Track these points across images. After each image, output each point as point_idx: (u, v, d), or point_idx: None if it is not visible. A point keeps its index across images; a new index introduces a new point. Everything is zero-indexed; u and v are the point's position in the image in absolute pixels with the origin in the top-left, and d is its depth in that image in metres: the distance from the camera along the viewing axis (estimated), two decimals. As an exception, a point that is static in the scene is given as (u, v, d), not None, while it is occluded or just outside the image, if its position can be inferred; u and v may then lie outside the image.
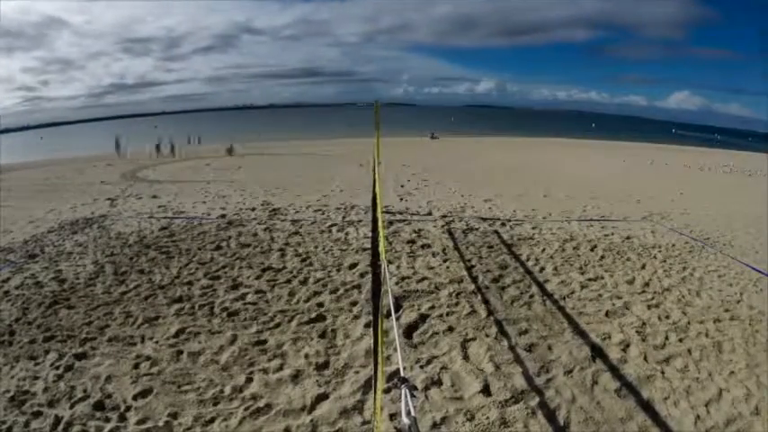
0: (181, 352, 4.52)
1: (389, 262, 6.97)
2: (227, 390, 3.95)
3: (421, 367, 4.30)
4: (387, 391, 3.77)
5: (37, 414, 3.62)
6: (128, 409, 3.70)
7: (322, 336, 4.86)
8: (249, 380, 4.10)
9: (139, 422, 3.55)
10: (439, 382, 4.08)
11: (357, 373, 4.21)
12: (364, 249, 7.52)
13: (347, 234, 8.55)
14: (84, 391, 3.91)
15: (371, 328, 4.68)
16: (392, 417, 3.55)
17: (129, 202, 11.61)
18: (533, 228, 9.33)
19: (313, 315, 5.30)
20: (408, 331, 4.96)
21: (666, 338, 4.97)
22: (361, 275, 6.45)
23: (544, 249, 7.90)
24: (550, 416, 3.71)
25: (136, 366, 4.28)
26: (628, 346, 4.80)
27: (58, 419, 3.55)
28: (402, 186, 13.62)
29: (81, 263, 6.91)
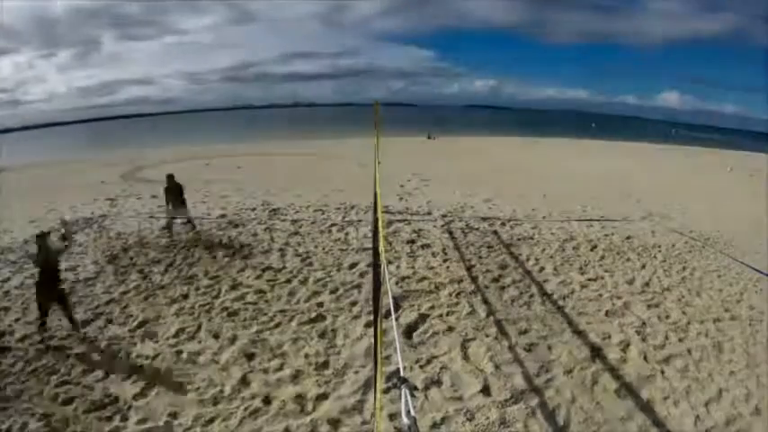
0: (181, 352, 4.53)
1: (389, 262, 6.97)
2: (227, 390, 3.95)
3: (421, 367, 4.31)
4: (386, 390, 3.77)
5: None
6: (128, 408, 3.71)
7: (322, 336, 4.86)
8: (249, 380, 4.10)
9: (140, 422, 3.56)
10: (439, 382, 4.09)
11: (357, 373, 4.21)
12: (364, 249, 7.52)
13: (347, 234, 8.54)
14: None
15: (371, 328, 4.68)
16: (392, 417, 3.55)
17: (129, 202, 11.60)
18: (533, 228, 9.33)
19: (313, 315, 5.30)
20: (408, 331, 4.97)
21: (666, 338, 4.97)
22: (361, 275, 6.45)
23: (544, 249, 7.90)
24: (550, 416, 3.71)
25: (136, 366, 4.28)
26: (628, 346, 4.81)
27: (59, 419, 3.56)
28: (402, 186, 13.61)
29: (81, 263, 6.91)
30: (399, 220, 9.57)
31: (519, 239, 8.47)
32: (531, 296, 5.95)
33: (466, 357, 4.49)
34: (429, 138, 35.10)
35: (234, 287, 6.04)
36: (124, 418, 3.60)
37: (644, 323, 5.30)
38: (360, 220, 9.45)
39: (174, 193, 8.31)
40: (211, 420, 3.59)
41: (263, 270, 6.65)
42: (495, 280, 6.46)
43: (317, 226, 9.06)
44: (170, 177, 8.32)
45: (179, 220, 8.79)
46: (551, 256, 7.55)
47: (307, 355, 4.48)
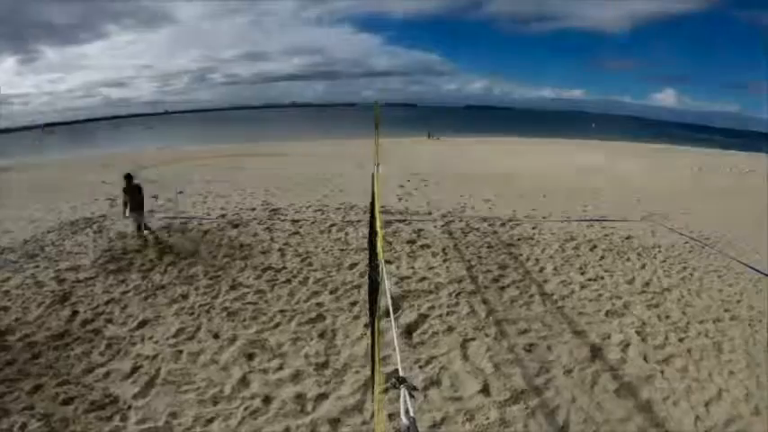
0: (181, 352, 4.53)
1: (389, 262, 6.97)
2: (227, 390, 3.95)
3: (420, 367, 4.31)
4: (386, 391, 3.77)
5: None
6: (128, 408, 3.71)
7: (322, 336, 4.87)
8: (249, 380, 4.10)
9: (139, 422, 3.56)
10: (438, 383, 4.09)
11: (357, 373, 4.21)
12: (364, 249, 7.52)
13: (347, 234, 8.55)
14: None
15: (370, 329, 4.68)
16: (392, 417, 3.55)
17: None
18: (533, 228, 9.33)
19: (313, 315, 5.30)
20: (408, 331, 4.97)
21: (666, 338, 4.97)
22: (361, 275, 6.45)
23: (544, 249, 7.90)
24: (550, 416, 3.71)
25: (136, 366, 4.28)
26: (628, 345, 4.80)
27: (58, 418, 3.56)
28: (402, 186, 13.61)
29: (81, 263, 6.91)
30: (399, 220, 9.57)
31: (519, 239, 8.47)
32: (531, 296, 5.95)
33: (466, 357, 4.49)
34: (429, 137, 34.78)
35: (234, 287, 6.05)
36: (124, 418, 3.60)
37: (644, 323, 5.30)
38: (359, 221, 9.45)
39: (134, 193, 7.77)
40: (211, 420, 3.59)
41: (263, 270, 6.66)
42: (495, 280, 6.46)
43: (317, 226, 9.06)
44: (128, 177, 7.79)
45: (177, 221, 8.79)
46: (551, 256, 7.55)
47: (307, 355, 4.48)
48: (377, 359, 2.39)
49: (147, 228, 8.23)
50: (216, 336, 4.83)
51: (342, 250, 7.59)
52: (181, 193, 12.25)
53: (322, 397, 3.88)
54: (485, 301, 5.74)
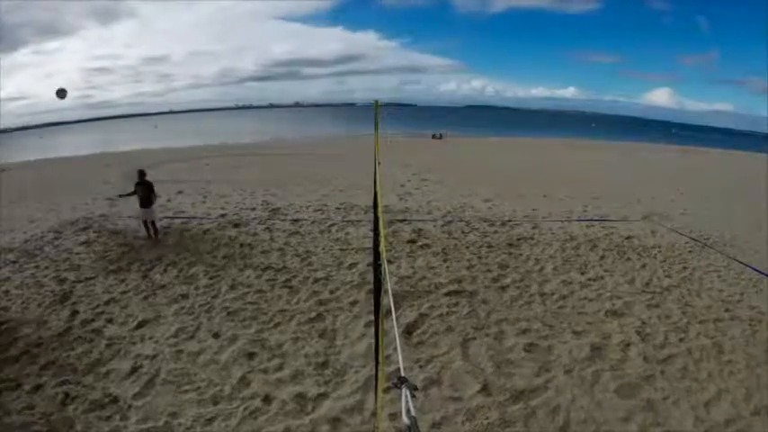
0: (181, 351, 4.53)
1: (389, 262, 6.96)
2: (227, 389, 3.95)
3: (420, 367, 4.30)
4: (386, 390, 3.77)
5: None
6: (128, 408, 3.71)
7: (322, 335, 4.86)
8: (249, 380, 4.10)
9: (139, 422, 3.56)
10: (439, 382, 4.09)
11: (357, 372, 4.21)
12: (364, 249, 7.52)
13: (347, 234, 8.54)
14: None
15: (372, 328, 4.68)
16: (392, 416, 3.55)
17: (129, 202, 11.57)
18: (533, 228, 9.33)
19: (313, 315, 5.30)
20: (408, 331, 4.96)
21: (666, 338, 4.97)
22: (361, 275, 6.45)
23: (544, 249, 7.90)
24: (550, 416, 3.71)
25: (136, 366, 4.28)
26: (628, 345, 4.80)
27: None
28: (402, 186, 13.61)
29: (81, 263, 6.91)
30: (399, 220, 9.57)
31: (519, 239, 8.46)
32: (532, 296, 5.95)
33: (466, 357, 4.49)
34: (434, 137, 34.07)
35: (234, 287, 6.04)
36: (124, 418, 3.59)
37: (644, 323, 5.30)
38: (360, 220, 9.45)
39: (145, 190, 7.98)
40: (211, 420, 3.58)
41: (263, 270, 6.65)
42: (496, 280, 6.45)
43: (316, 226, 9.06)
44: (141, 173, 8.07)
45: (177, 220, 8.77)
46: (551, 256, 7.54)
47: (307, 355, 4.48)
48: (381, 359, 2.39)
49: (153, 226, 8.18)
50: (216, 335, 4.83)
51: (342, 250, 7.59)
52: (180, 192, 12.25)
53: (322, 397, 3.88)
54: (485, 301, 5.73)
